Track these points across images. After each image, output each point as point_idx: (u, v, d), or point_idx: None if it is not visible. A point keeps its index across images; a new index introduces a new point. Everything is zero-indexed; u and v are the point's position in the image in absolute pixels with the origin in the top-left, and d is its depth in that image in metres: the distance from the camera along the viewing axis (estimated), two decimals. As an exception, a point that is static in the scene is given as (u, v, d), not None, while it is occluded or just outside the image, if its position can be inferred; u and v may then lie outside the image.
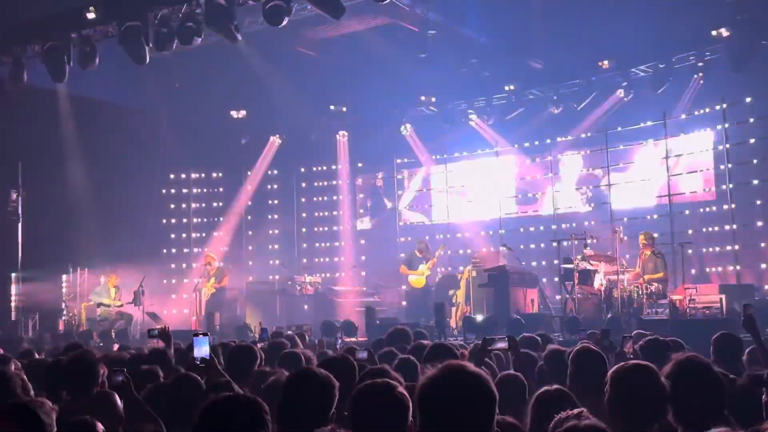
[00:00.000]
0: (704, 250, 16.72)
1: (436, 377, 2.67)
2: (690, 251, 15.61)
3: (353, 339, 12.75)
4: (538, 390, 4.47)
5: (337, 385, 3.73)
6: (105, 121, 18.32)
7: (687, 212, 17.08)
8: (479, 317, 14.13)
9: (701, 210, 17.09)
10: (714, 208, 16.91)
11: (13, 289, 17.61)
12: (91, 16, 14.15)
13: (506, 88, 18.64)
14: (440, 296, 16.18)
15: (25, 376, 5.56)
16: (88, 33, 14.72)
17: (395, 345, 7.03)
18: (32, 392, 5.13)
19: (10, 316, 17.42)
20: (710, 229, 16.79)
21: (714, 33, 15.71)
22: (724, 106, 16.36)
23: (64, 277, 18.29)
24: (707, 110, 16.77)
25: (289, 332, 10.22)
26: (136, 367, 5.65)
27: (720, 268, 16.45)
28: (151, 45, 14.17)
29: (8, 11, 14.68)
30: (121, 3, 14.25)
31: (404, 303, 17.96)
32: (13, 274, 17.61)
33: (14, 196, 17.38)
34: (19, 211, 17.39)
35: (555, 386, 4.30)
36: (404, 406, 3.20)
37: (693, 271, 16.14)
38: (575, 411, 3.52)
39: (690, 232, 16.61)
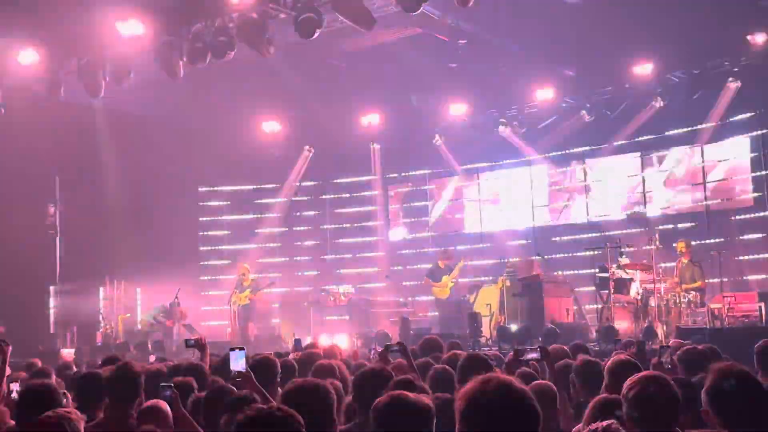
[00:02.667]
0: (742, 257, 16.48)
1: (484, 390, 2.63)
2: (728, 259, 15.42)
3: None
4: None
5: (332, 391, 3.74)
6: (140, 135, 18.54)
7: (724, 219, 16.88)
8: (513, 327, 14.06)
9: (738, 217, 16.86)
10: (751, 215, 16.69)
11: (51, 302, 17.83)
12: (125, 31, 14.34)
13: (538, 96, 18.55)
14: (472, 307, 16.18)
15: (64, 388, 5.66)
16: (123, 48, 14.90)
17: (428, 355, 7.03)
18: (70, 404, 5.20)
19: (48, 329, 17.64)
20: (748, 236, 16.56)
21: (749, 38, 15.52)
22: (760, 111, 16.16)
23: (101, 289, 18.50)
24: (743, 116, 16.58)
25: (325, 344, 10.22)
26: (170, 380, 5.70)
27: (759, 276, 16.20)
28: (184, 59, 14.32)
29: (45, 28, 14.92)
30: (156, 18, 14.42)
31: (437, 313, 17.93)
32: (51, 288, 17.83)
33: (52, 210, 17.62)
34: (57, 225, 17.61)
35: (614, 395, 4.28)
36: (426, 419, 3.19)
37: (731, 279, 15.91)
38: (605, 423, 3.52)
39: (728, 239, 16.41)
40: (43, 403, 4.42)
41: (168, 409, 4.75)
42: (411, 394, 3.33)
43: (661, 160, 18.10)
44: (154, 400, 4.90)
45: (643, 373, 4.02)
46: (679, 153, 17.83)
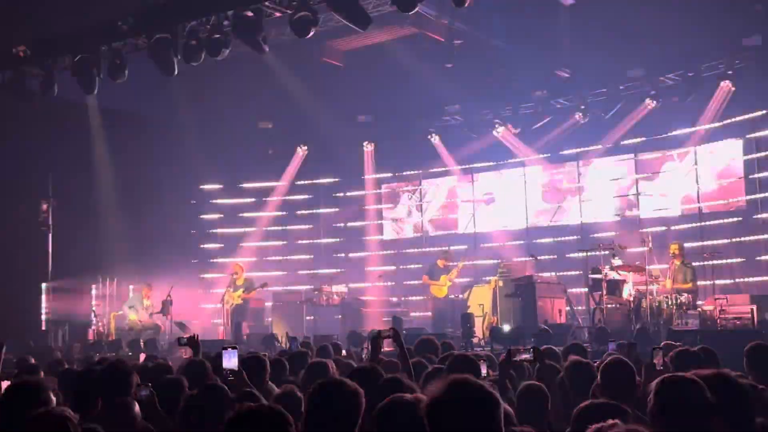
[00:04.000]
0: (734, 260, 16.51)
1: (440, 391, 2.73)
2: (720, 261, 15.47)
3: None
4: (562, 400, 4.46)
5: (363, 394, 3.69)
6: (134, 132, 18.49)
7: (716, 222, 16.92)
8: (506, 327, 14.07)
9: (731, 219, 16.90)
10: (744, 218, 16.73)
11: (44, 299, 17.78)
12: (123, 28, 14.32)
13: (533, 97, 18.57)
14: (466, 307, 16.17)
15: (56, 386, 5.63)
16: (118, 45, 14.88)
17: (423, 355, 7.03)
18: (55, 402, 5.17)
19: (40, 326, 17.60)
20: (741, 238, 16.59)
21: (744, 41, 15.56)
22: (754, 114, 16.21)
23: (93, 287, 18.45)
24: (736, 119, 16.62)
25: (324, 343, 10.17)
26: (164, 378, 5.68)
27: (751, 278, 16.24)
28: (179, 57, 14.30)
29: (39, 24, 14.89)
30: (151, 15, 14.40)
31: (430, 313, 17.94)
32: (44, 285, 17.78)
33: (45, 206, 17.57)
34: (50, 222, 17.56)
35: (603, 399, 4.28)
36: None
37: (723, 282, 15.96)
38: (608, 422, 3.51)
39: (720, 241, 16.44)
40: (29, 401, 4.39)
41: (135, 407, 4.72)
42: (408, 396, 3.32)
43: (654, 162, 18.15)
44: (122, 398, 4.88)
45: (678, 374, 4.01)
46: (671, 155, 17.87)
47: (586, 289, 15.31)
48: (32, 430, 3.74)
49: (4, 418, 4.47)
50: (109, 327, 17.36)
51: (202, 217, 21.99)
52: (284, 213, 21.91)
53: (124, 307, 17.48)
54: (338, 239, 21.81)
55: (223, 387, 4.88)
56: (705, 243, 16.39)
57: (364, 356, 10.09)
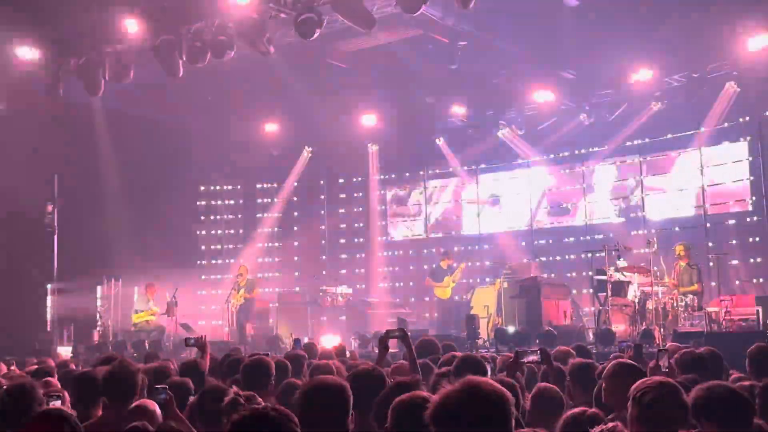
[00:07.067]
0: (740, 261, 16.46)
1: (452, 395, 2.58)
2: (726, 262, 15.43)
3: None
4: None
5: (350, 393, 3.74)
6: (139, 134, 18.51)
7: (722, 223, 16.88)
8: (511, 329, 14.06)
9: (736, 221, 16.85)
10: (750, 219, 16.70)
11: (49, 300, 17.80)
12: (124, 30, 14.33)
13: (537, 98, 18.54)
14: (470, 308, 16.18)
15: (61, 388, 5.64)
16: (123, 47, 14.91)
17: (424, 357, 7.01)
18: (66, 403, 5.18)
19: (45, 327, 17.62)
20: (746, 240, 16.56)
21: (748, 42, 15.52)
22: (759, 115, 16.17)
23: (98, 288, 18.47)
24: (742, 120, 16.58)
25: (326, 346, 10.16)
26: (166, 380, 5.68)
27: (756, 280, 16.20)
28: (184, 58, 14.32)
29: (44, 27, 14.91)
30: (156, 17, 14.41)
31: (435, 314, 17.93)
32: (49, 286, 17.80)
33: (50, 208, 17.56)
34: (55, 224, 17.58)
35: (582, 408, 4.29)
36: None
37: (729, 283, 15.91)
38: (609, 425, 3.51)
39: (725, 243, 16.40)
40: (23, 403, 4.40)
41: (156, 409, 4.73)
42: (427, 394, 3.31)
43: (659, 164, 18.12)
44: (142, 400, 4.88)
45: (657, 378, 4.03)
46: (676, 157, 17.84)
47: (591, 291, 15.30)
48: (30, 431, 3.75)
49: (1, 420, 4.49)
50: (113, 328, 17.37)
51: (206, 217, 22.01)
52: (289, 214, 21.92)
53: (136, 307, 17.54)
54: (343, 240, 21.81)
55: (225, 389, 4.88)
56: (710, 244, 16.36)
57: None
